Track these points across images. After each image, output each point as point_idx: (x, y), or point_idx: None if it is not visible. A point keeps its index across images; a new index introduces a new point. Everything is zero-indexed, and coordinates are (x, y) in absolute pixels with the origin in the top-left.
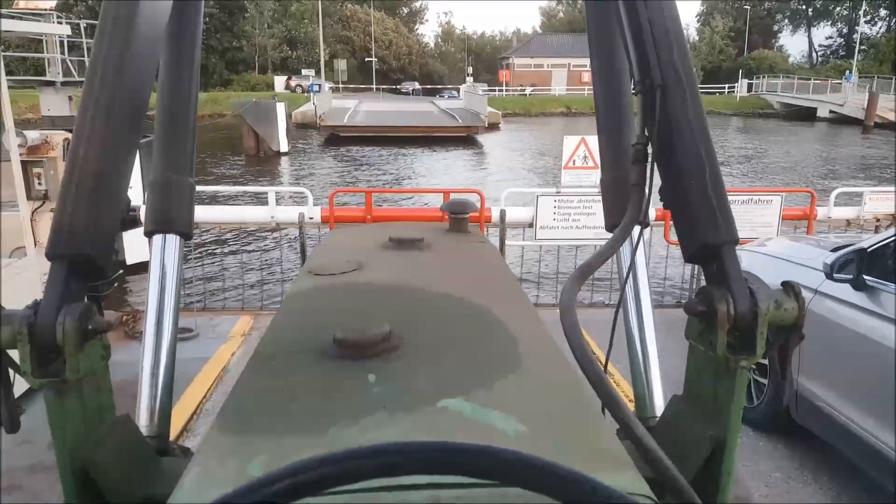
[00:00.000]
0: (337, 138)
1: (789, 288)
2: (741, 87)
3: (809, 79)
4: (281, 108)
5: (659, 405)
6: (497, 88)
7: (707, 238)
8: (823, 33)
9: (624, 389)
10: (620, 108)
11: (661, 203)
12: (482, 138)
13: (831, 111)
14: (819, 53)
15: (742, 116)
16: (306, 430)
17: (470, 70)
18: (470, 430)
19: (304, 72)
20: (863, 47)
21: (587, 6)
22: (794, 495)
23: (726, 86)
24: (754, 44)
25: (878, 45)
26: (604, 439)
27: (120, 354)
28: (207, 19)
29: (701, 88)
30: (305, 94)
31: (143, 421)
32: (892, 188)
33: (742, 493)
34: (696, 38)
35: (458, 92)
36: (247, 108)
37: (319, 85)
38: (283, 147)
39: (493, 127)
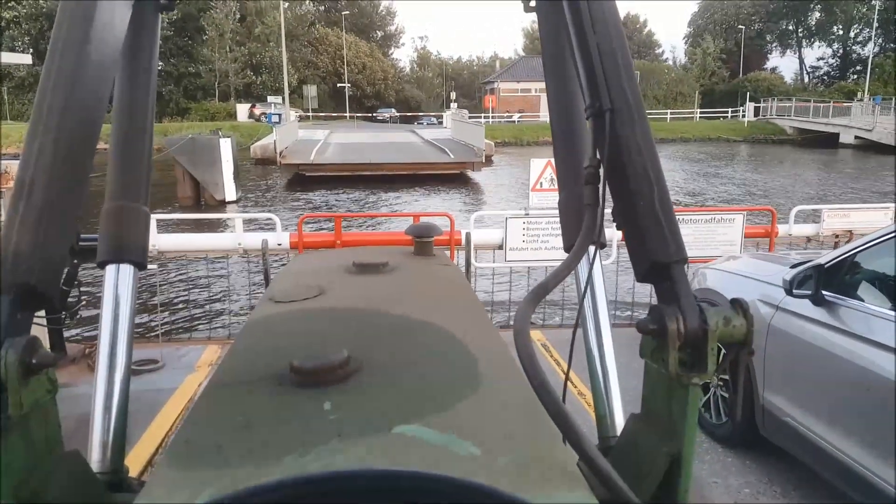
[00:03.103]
0: (302, 179)
1: (738, 305)
2: (748, 111)
3: (829, 101)
4: (226, 145)
5: (620, 423)
6: (483, 115)
7: (657, 257)
8: (815, 54)
9: (589, 399)
10: (575, 131)
11: (614, 224)
12: (476, 175)
13: (857, 137)
14: (810, 75)
15: (751, 143)
16: (258, 461)
17: (454, 95)
18: (424, 455)
19: (269, 98)
20: (858, 68)
21: (541, 32)
22: None
23: (729, 110)
24: (748, 65)
25: (882, 65)
26: (559, 460)
27: (84, 387)
28: (162, 43)
29: (703, 113)
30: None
31: (95, 456)
32: (847, 206)
33: None
34: (686, 59)
35: (440, 119)
36: (179, 147)
37: (279, 115)
38: (230, 195)
39: (487, 160)
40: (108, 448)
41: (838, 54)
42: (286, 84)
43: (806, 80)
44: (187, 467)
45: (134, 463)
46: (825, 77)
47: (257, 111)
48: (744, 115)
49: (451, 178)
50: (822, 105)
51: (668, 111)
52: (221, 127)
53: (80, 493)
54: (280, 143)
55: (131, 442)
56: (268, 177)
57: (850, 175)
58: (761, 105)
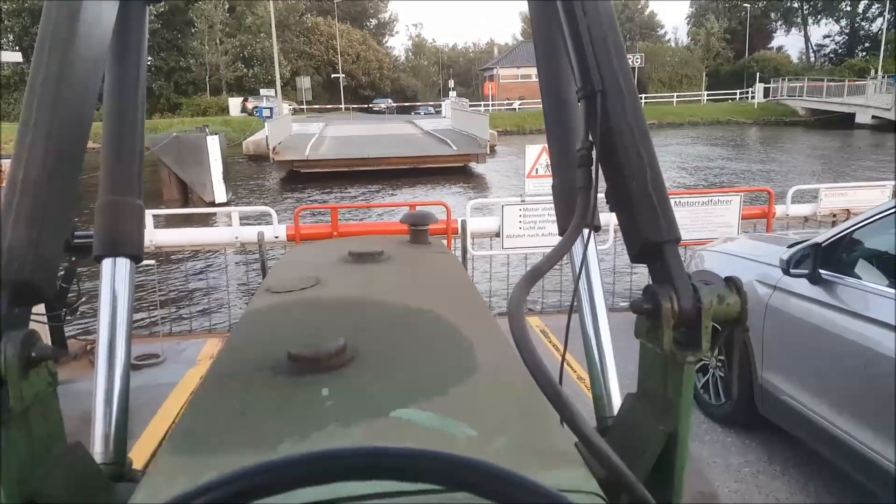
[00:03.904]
0: (296, 176)
1: (731, 283)
2: (758, 91)
3: (843, 80)
4: (214, 143)
5: (617, 404)
6: (482, 103)
7: (649, 237)
8: (821, 32)
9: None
10: (567, 114)
11: (608, 206)
12: (480, 167)
13: (874, 117)
14: (816, 53)
15: (762, 125)
16: (257, 447)
17: (452, 84)
18: (422, 438)
19: (262, 92)
20: (866, 45)
21: (532, 16)
22: (763, 489)
23: (738, 91)
24: (753, 45)
25: (893, 41)
26: (556, 441)
27: (86, 384)
28: (150, 36)
29: (711, 95)
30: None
31: (97, 448)
32: (844, 184)
33: (707, 489)
34: (689, 40)
35: (438, 108)
36: (163, 146)
37: (271, 109)
38: (220, 196)
39: (490, 151)
40: (110, 439)
41: (846, 31)
42: (278, 76)
43: (812, 58)
44: (188, 454)
45: (137, 457)
46: (832, 55)
47: (250, 105)
48: (753, 97)
49: (454, 171)
50: (833, 84)
51: (675, 94)
52: (213, 122)
53: (84, 483)
54: (272, 138)
55: (134, 436)
56: (261, 174)
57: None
58: (771, 86)
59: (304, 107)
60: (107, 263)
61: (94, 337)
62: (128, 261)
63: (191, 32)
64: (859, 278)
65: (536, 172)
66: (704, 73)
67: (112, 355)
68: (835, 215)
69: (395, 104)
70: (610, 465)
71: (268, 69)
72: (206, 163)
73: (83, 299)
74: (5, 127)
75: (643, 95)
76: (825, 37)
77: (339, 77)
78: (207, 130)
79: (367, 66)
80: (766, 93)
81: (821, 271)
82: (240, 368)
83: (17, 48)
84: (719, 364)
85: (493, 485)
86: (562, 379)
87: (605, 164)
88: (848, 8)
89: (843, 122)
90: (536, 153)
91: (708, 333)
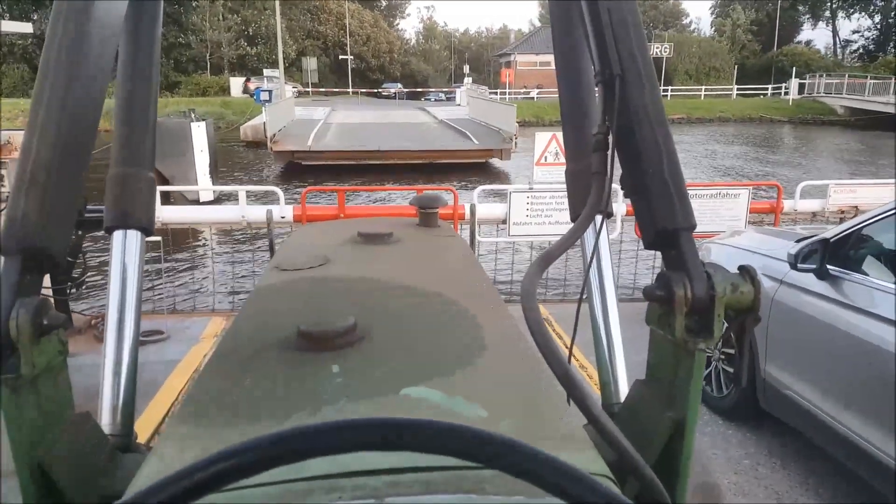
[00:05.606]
0: (297, 169)
1: (745, 272)
2: (793, 87)
3: (891, 77)
4: (200, 131)
5: (624, 391)
6: (499, 90)
7: (665, 224)
8: (850, 26)
9: (592, 375)
10: (583, 99)
11: (622, 192)
12: (503, 164)
13: None
14: (844, 49)
15: (797, 124)
16: (266, 421)
17: (467, 69)
18: (431, 416)
19: (266, 72)
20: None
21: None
22: (763, 481)
23: (769, 86)
24: (781, 39)
25: None
26: (566, 422)
27: (91, 357)
28: None
29: (742, 90)
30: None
31: (105, 419)
32: (854, 181)
33: (709, 480)
34: (713, 31)
35: (449, 95)
36: None
37: (270, 92)
38: (206, 193)
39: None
40: (117, 411)
41: (878, 27)
42: (280, 56)
43: (840, 55)
44: (199, 424)
45: (140, 432)
46: (861, 51)
47: (252, 86)
48: (786, 93)
49: (473, 167)
50: (874, 82)
51: (703, 87)
52: (213, 103)
53: (91, 452)
54: (271, 125)
55: (137, 412)
56: (259, 164)
57: None
58: (806, 82)
59: (310, 89)
60: (117, 235)
61: (98, 311)
62: (138, 233)
63: (191, 7)
64: (867, 275)
65: (545, 160)
66: (735, 66)
67: (121, 327)
68: (843, 212)
69: (404, 89)
70: (619, 448)
71: (272, 48)
72: (191, 154)
73: (87, 273)
74: (6, 102)
75: (669, 87)
76: (854, 32)
77: (347, 59)
78: (193, 116)
79: (377, 48)
80: (801, 89)
81: (828, 267)
82: (250, 343)
83: (9, 17)
84: (722, 357)
85: (525, 464)
86: (570, 362)
87: (621, 150)
88: (881, 2)
89: (886, 122)
90: (546, 141)
91: (721, 321)
